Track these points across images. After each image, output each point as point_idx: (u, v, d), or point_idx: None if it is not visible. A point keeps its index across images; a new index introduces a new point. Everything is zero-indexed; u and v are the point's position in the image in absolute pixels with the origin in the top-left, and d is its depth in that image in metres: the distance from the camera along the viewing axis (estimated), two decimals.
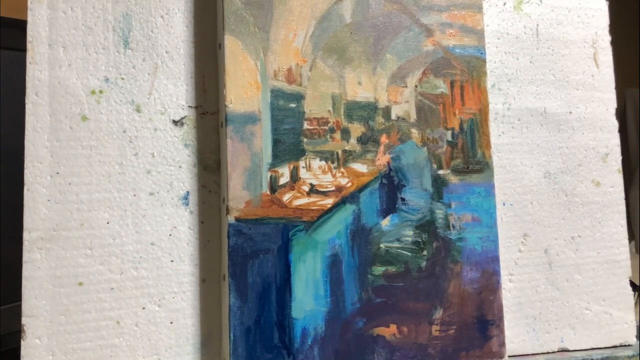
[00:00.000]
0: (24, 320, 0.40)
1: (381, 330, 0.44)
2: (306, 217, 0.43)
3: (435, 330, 0.45)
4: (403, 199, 0.46)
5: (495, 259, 0.47)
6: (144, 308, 0.42)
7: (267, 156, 0.43)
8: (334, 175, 0.45)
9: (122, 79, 0.44)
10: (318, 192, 0.44)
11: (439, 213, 0.47)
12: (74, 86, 0.42)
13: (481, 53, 0.50)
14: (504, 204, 0.51)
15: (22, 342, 0.40)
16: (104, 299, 0.41)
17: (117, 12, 0.44)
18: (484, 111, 0.49)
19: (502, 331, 0.47)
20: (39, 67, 0.42)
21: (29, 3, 0.42)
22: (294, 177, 0.44)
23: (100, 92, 0.43)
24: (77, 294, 0.41)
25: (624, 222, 0.55)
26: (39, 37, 0.42)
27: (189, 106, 0.45)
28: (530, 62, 0.54)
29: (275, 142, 0.44)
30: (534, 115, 0.54)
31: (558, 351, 0.51)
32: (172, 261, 0.43)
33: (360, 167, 0.46)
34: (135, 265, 0.42)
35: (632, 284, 0.54)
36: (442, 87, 0.48)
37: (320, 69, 0.46)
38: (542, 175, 0.53)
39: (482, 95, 0.49)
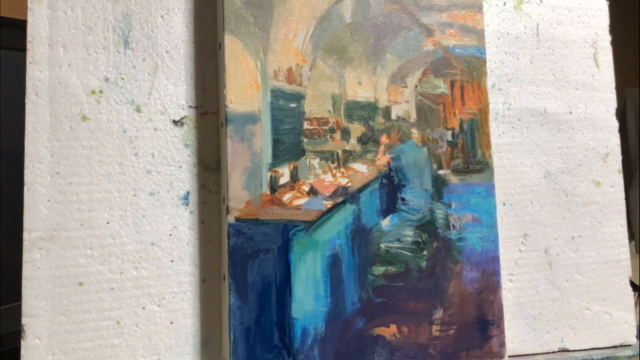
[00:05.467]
0: (24, 320, 0.40)
1: (381, 330, 0.44)
2: (306, 217, 0.43)
3: (436, 330, 0.45)
4: (403, 199, 0.46)
5: (496, 259, 0.47)
6: (144, 308, 0.42)
7: (267, 156, 0.43)
8: (334, 175, 0.45)
9: (122, 79, 0.44)
10: (318, 193, 0.44)
11: (439, 213, 0.47)
12: (74, 86, 0.42)
13: (481, 53, 0.50)
14: (504, 204, 0.51)
15: (22, 342, 0.40)
16: (104, 299, 0.41)
17: (117, 12, 0.44)
18: (484, 111, 0.49)
19: (502, 331, 0.47)
20: (39, 67, 0.42)
21: (29, 3, 0.42)
22: (294, 177, 0.44)
23: (100, 92, 0.43)
24: (77, 294, 0.41)
25: (624, 222, 0.55)
26: (39, 37, 0.42)
27: (189, 106, 0.45)
28: (531, 62, 0.54)
29: (275, 142, 0.44)
30: (534, 115, 0.54)
31: (558, 351, 0.51)
32: (172, 261, 0.43)
33: (360, 167, 0.46)
34: (135, 265, 0.42)
35: (632, 284, 0.54)
36: (442, 87, 0.48)
37: (321, 69, 0.46)
38: (543, 175, 0.53)
39: (482, 95, 0.49)
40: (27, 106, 0.41)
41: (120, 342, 0.41)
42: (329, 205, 0.44)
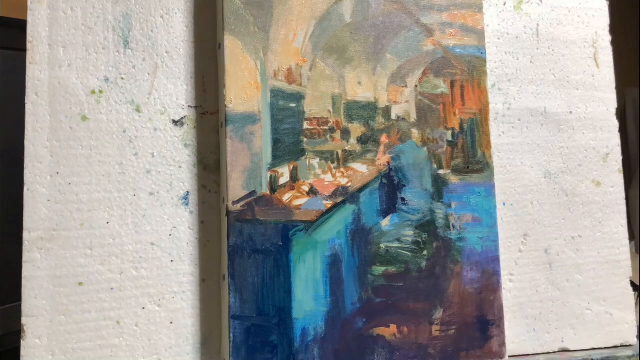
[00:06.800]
0: (24, 320, 0.40)
1: (381, 330, 0.44)
2: (306, 217, 0.43)
3: (436, 331, 0.45)
4: (403, 199, 0.46)
5: (496, 259, 0.47)
6: (144, 308, 0.42)
7: (267, 156, 0.43)
8: (334, 175, 0.45)
9: (122, 78, 0.44)
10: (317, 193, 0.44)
11: (439, 213, 0.47)
12: (74, 86, 0.42)
13: (481, 53, 0.50)
14: (504, 204, 0.51)
15: (22, 342, 0.40)
16: (104, 299, 0.41)
17: (117, 12, 0.44)
18: (484, 111, 0.49)
19: (502, 331, 0.47)
20: (39, 67, 0.42)
21: (29, 3, 0.42)
22: (294, 177, 0.44)
23: (100, 92, 0.43)
24: (77, 294, 0.41)
25: (624, 222, 0.55)
26: (39, 37, 0.42)
27: (189, 106, 0.45)
28: (531, 62, 0.54)
29: (275, 142, 0.44)
30: (534, 115, 0.54)
31: (558, 351, 0.51)
32: (172, 261, 0.43)
33: (360, 167, 0.46)
34: (135, 265, 0.42)
35: (632, 284, 0.54)
36: (442, 87, 0.48)
37: (320, 69, 0.45)
38: (543, 175, 0.53)
39: (483, 95, 0.49)
40: (27, 106, 0.41)
41: (120, 342, 0.41)
42: (329, 205, 0.44)
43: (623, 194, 0.56)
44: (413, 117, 0.47)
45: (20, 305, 0.40)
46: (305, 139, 0.44)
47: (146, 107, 0.44)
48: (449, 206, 0.47)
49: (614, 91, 0.57)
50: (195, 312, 0.43)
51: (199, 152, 0.45)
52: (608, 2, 0.58)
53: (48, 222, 0.41)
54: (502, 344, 0.46)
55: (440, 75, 0.49)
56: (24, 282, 0.40)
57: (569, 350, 0.51)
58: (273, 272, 0.42)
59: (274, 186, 0.43)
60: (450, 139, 0.48)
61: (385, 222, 0.45)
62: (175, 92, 0.45)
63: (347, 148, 0.45)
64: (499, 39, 0.54)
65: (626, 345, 0.52)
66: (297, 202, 0.43)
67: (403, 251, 0.46)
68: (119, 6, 0.44)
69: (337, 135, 0.45)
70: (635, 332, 0.53)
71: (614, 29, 0.58)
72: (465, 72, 0.49)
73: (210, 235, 0.44)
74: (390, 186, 0.46)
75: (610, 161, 0.55)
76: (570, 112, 0.55)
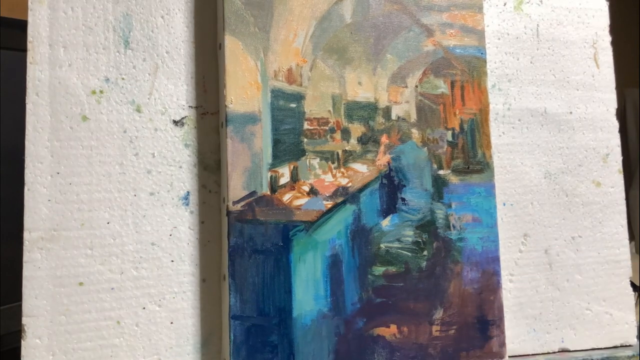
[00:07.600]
0: (24, 320, 0.40)
1: (381, 331, 0.44)
2: (306, 217, 0.43)
3: (436, 331, 0.45)
4: (403, 199, 0.46)
5: (496, 259, 0.47)
6: (144, 308, 0.42)
7: (267, 156, 0.43)
8: (334, 176, 0.45)
9: (123, 79, 0.44)
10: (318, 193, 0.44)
11: (439, 213, 0.47)
12: (74, 86, 0.42)
13: (481, 53, 0.50)
14: (504, 204, 0.51)
15: (22, 342, 0.40)
16: (104, 299, 0.41)
17: (117, 12, 0.44)
18: (484, 111, 0.49)
19: (502, 331, 0.47)
20: (39, 67, 0.42)
21: (29, 3, 0.42)
22: (294, 177, 0.44)
23: (101, 92, 0.43)
24: (78, 294, 0.41)
25: (624, 222, 0.55)
26: (40, 37, 0.42)
27: (189, 106, 0.45)
28: (531, 62, 0.54)
29: (276, 142, 0.44)
30: (534, 116, 0.54)
31: (558, 351, 0.51)
32: (172, 261, 0.43)
33: (360, 167, 0.46)
34: (136, 265, 0.42)
35: (632, 284, 0.54)
36: (442, 87, 0.48)
37: (321, 69, 0.46)
38: (543, 176, 0.53)
39: (483, 95, 0.49)
40: (27, 106, 0.41)
41: (120, 342, 0.41)
42: (329, 206, 0.44)
43: (623, 194, 0.56)
44: (413, 117, 0.47)
45: (20, 305, 0.40)
46: (305, 139, 0.44)
47: (146, 107, 0.44)
48: (449, 206, 0.47)
49: (614, 91, 0.57)
50: (195, 312, 0.43)
51: (199, 152, 0.45)
52: (608, 2, 0.58)
53: (48, 222, 0.41)
54: (502, 344, 0.46)
55: (441, 75, 0.49)
56: (24, 282, 0.40)
57: (569, 351, 0.51)
58: (273, 272, 0.42)
59: (274, 186, 0.43)
60: (450, 139, 0.48)
61: (386, 222, 0.45)
62: (176, 92, 0.45)
63: (347, 148, 0.45)
64: (499, 39, 0.54)
65: (626, 346, 0.52)
66: (297, 202, 0.43)
67: (403, 251, 0.46)
68: (119, 6, 0.44)
69: (338, 135, 0.45)
70: (635, 332, 0.53)
71: (614, 29, 0.58)
72: (466, 72, 0.49)
73: (210, 235, 0.44)
74: (391, 186, 0.46)
75: (610, 161, 0.55)
76: (570, 113, 0.55)
